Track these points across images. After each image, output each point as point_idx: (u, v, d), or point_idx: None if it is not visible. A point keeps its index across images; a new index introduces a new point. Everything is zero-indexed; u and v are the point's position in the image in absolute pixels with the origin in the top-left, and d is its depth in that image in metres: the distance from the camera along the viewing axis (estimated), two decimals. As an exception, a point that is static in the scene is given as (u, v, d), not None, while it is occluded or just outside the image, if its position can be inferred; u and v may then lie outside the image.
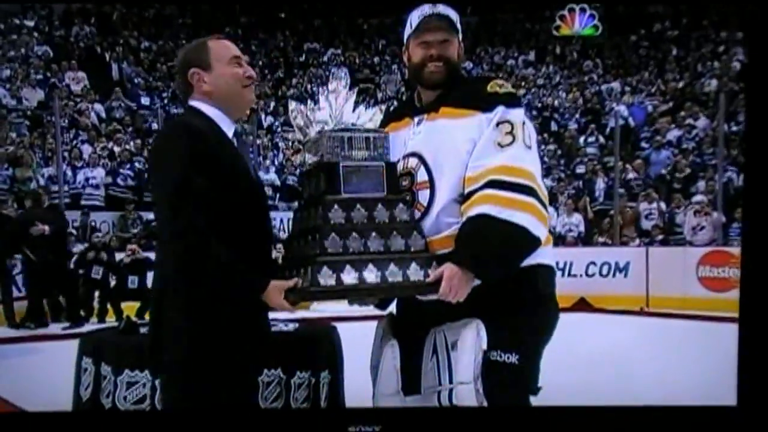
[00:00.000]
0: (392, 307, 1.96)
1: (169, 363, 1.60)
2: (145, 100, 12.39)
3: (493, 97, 1.79)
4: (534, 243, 1.72)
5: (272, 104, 13.54)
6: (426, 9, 1.85)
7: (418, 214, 1.77)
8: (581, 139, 12.50)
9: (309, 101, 1.82)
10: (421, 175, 1.80)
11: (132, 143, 10.98)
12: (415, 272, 1.66)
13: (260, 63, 14.88)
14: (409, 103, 1.98)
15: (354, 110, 1.78)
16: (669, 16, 15.12)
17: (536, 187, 1.72)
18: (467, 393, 1.67)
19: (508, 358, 1.70)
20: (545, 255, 1.81)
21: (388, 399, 1.82)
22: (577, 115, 13.33)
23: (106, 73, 12.78)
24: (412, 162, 1.83)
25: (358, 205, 1.69)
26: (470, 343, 1.69)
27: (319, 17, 16.26)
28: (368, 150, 1.73)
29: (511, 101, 1.79)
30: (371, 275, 1.63)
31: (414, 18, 1.86)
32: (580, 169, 11.67)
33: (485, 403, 1.66)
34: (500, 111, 1.76)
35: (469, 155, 1.75)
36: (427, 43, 1.84)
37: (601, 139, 12.27)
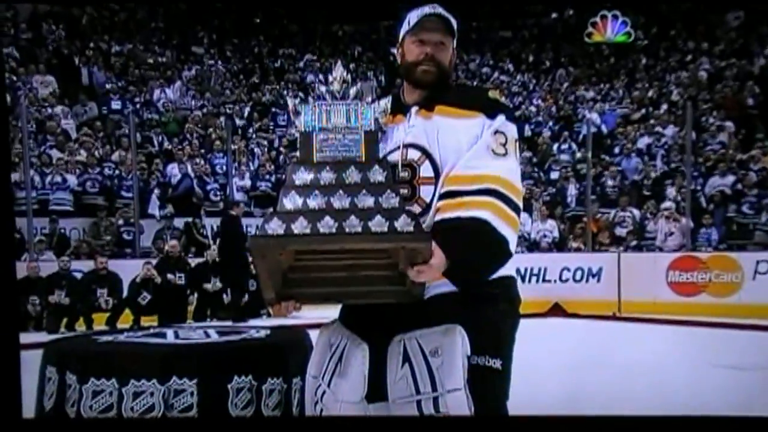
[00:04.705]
0: (336, 314, 1.92)
1: None
2: (116, 105, 12.19)
3: (496, 104, 1.81)
4: (506, 260, 1.77)
5: (247, 110, 13.44)
6: (426, 9, 1.84)
7: (418, 209, 1.73)
8: (555, 147, 12.63)
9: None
10: (426, 170, 1.77)
11: (101, 149, 10.80)
12: (378, 224, 1.53)
13: (234, 68, 14.77)
14: (396, 100, 1.90)
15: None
16: (639, 26, 15.35)
17: (520, 208, 1.77)
18: (460, 399, 1.65)
19: (494, 363, 1.71)
20: (511, 267, 1.86)
21: (351, 407, 1.76)
22: (551, 123, 13.47)
23: (75, 77, 12.55)
24: (414, 154, 1.79)
25: (327, 167, 1.60)
26: (458, 349, 1.67)
27: (295, 23, 16.21)
28: (348, 121, 1.65)
29: (510, 114, 1.81)
30: (325, 227, 1.51)
31: (413, 16, 1.85)
32: (554, 176, 11.78)
33: (473, 409, 1.65)
34: (502, 120, 1.77)
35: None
36: (422, 42, 1.83)
37: (574, 147, 12.42)
